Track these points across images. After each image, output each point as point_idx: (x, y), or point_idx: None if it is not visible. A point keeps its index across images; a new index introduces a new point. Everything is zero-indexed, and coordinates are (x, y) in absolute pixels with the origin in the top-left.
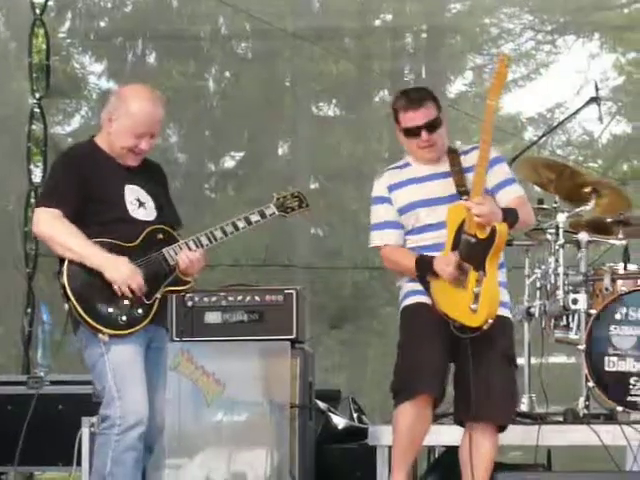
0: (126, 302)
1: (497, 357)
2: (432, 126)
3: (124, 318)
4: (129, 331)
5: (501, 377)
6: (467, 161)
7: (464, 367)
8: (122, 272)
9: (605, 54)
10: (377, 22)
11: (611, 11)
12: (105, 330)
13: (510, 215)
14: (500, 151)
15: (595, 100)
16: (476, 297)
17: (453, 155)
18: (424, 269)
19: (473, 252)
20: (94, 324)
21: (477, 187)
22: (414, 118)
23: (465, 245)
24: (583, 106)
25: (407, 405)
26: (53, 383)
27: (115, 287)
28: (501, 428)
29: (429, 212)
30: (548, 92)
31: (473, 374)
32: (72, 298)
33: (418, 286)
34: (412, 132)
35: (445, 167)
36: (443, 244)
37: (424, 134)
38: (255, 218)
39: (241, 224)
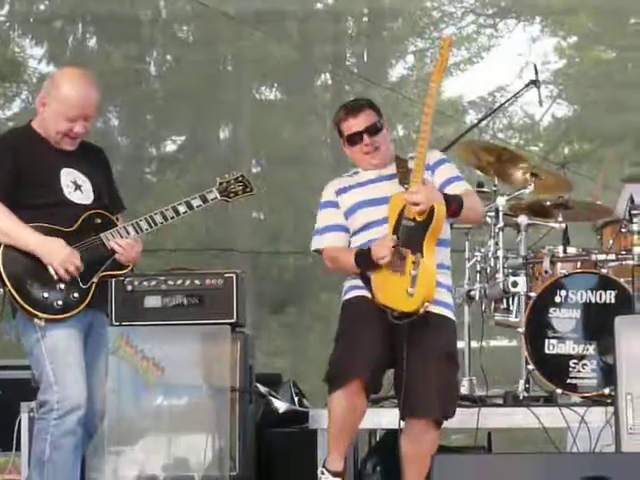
0: (62, 286)
1: (434, 353)
2: (373, 130)
3: (60, 303)
4: (64, 316)
5: (437, 373)
6: (412, 164)
7: (401, 363)
8: (59, 254)
9: (546, 38)
10: (319, 5)
11: None
12: (41, 315)
13: (454, 200)
14: (442, 134)
15: (534, 83)
16: (413, 280)
17: (400, 161)
18: (363, 261)
19: (411, 235)
20: (30, 309)
21: (417, 173)
22: (354, 124)
23: (404, 230)
24: (523, 89)
25: (339, 393)
26: None
27: (51, 270)
28: (438, 423)
29: (373, 211)
30: (490, 76)
31: (409, 369)
32: (7, 283)
33: (358, 282)
34: (354, 139)
35: (392, 170)
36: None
37: (366, 138)
38: (197, 203)
39: (182, 209)
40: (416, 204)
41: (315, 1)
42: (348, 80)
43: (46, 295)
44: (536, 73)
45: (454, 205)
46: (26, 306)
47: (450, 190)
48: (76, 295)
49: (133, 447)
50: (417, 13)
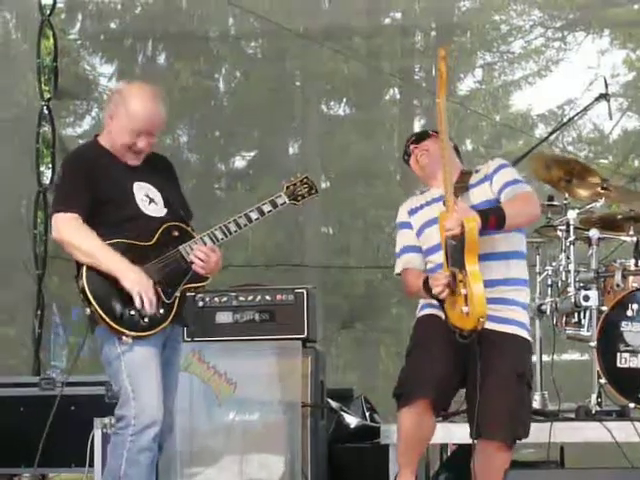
0: (142, 310)
1: (505, 374)
2: (419, 138)
3: (146, 320)
4: (152, 332)
5: (507, 394)
6: (474, 178)
7: (473, 384)
8: (134, 284)
9: (615, 50)
10: (386, 21)
11: (621, 7)
12: (128, 332)
13: (492, 213)
14: (511, 148)
15: (605, 96)
16: (465, 299)
17: (464, 175)
18: (428, 290)
19: (455, 254)
20: (117, 327)
21: (446, 196)
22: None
23: (450, 249)
24: (592, 102)
25: (406, 410)
26: (66, 384)
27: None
28: (509, 445)
29: (436, 231)
30: (558, 89)
31: (481, 391)
32: (93, 302)
33: (433, 300)
34: (407, 152)
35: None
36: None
37: (412, 145)
38: (267, 208)
39: (254, 215)
40: (449, 230)
41: (383, 16)
42: (416, 94)
43: (132, 312)
44: (606, 86)
45: (492, 218)
46: (113, 324)
47: (505, 196)
48: (161, 311)
49: (207, 466)
50: (485, 27)
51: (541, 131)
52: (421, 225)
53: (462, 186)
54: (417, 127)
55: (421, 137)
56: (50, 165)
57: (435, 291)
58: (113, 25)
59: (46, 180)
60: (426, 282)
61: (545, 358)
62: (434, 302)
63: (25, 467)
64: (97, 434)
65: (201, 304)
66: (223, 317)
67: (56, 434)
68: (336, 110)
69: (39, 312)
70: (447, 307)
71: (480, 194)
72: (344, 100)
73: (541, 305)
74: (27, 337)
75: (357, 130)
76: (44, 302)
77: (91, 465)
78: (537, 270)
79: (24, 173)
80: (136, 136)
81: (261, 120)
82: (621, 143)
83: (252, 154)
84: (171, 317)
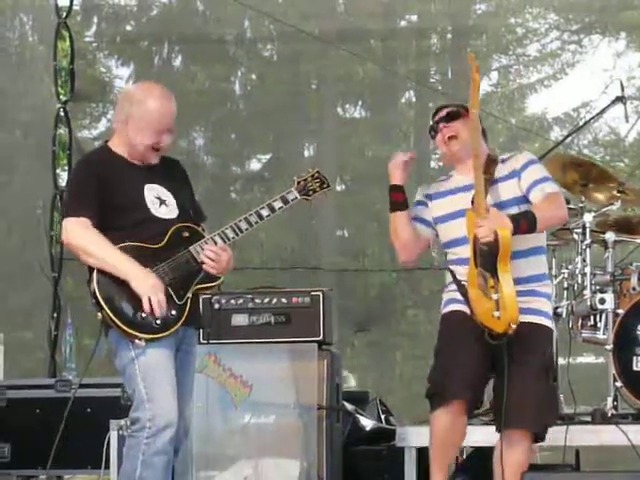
0: (152, 314)
1: (535, 367)
2: (451, 116)
3: (158, 322)
4: (164, 334)
5: (536, 386)
6: (501, 170)
7: (501, 375)
8: (145, 287)
9: (631, 53)
10: (402, 23)
11: (637, 10)
12: (141, 335)
13: (523, 218)
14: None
15: (621, 99)
16: (497, 304)
17: (490, 163)
18: None
19: (486, 259)
20: (130, 331)
21: (478, 202)
22: (438, 115)
23: (480, 254)
24: (609, 105)
25: (440, 411)
26: (81, 386)
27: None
28: (537, 439)
29: (461, 224)
30: (574, 91)
31: (508, 382)
32: (105, 307)
33: (457, 294)
34: (434, 128)
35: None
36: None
37: (442, 124)
38: (278, 205)
39: (265, 212)
40: (482, 237)
41: (399, 19)
42: (432, 97)
43: (144, 315)
44: (622, 89)
45: (524, 223)
46: (125, 328)
47: (534, 194)
48: (174, 312)
49: (222, 469)
50: (501, 30)
51: (557, 134)
52: (445, 214)
53: (488, 178)
54: None
55: (452, 117)
56: (66, 167)
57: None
58: (129, 27)
59: (62, 182)
60: None
61: (561, 361)
62: (458, 297)
63: (41, 469)
64: (113, 436)
65: (217, 306)
66: (239, 319)
67: (72, 436)
68: (352, 113)
69: (55, 314)
70: (475, 304)
71: (508, 191)
72: (360, 103)
73: (557, 308)
74: (43, 339)
75: (373, 133)
76: (60, 304)
77: (107, 467)
78: (553, 273)
79: (40, 175)
80: (159, 134)
81: (277, 123)
82: (637, 146)
83: (267, 157)
84: (183, 318)
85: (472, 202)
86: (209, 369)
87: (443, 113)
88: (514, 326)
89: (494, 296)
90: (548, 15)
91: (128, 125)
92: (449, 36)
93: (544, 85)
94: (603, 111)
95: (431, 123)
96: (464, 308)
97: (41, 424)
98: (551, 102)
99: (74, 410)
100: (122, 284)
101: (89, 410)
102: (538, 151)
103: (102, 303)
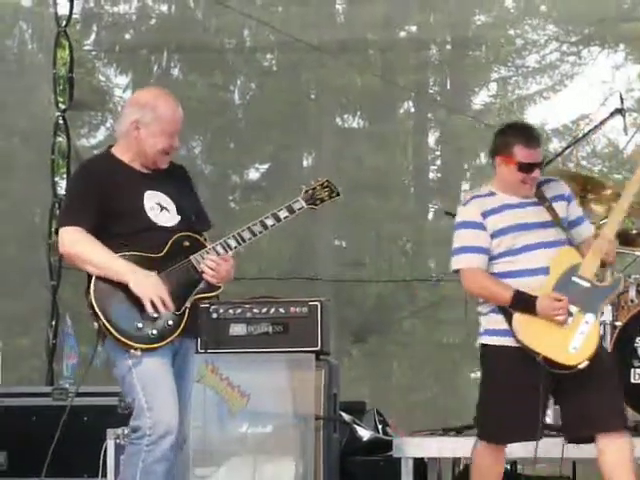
0: (156, 314)
1: (606, 369)
2: (541, 166)
3: (154, 332)
4: (160, 344)
5: (611, 385)
6: (547, 192)
7: (571, 387)
8: (146, 287)
9: (630, 65)
10: (401, 34)
11: (636, 22)
12: (137, 346)
13: None
14: None
15: (620, 111)
16: (579, 338)
17: (539, 191)
18: (522, 306)
19: (585, 296)
20: (125, 341)
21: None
22: (533, 155)
23: (574, 286)
24: (608, 117)
25: (490, 449)
26: (78, 395)
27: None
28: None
29: (523, 236)
30: (573, 103)
31: (586, 386)
32: (101, 317)
33: (499, 324)
34: (526, 168)
35: (531, 196)
36: (531, 271)
37: (537, 172)
38: (284, 214)
39: (269, 222)
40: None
41: (398, 29)
42: (431, 108)
43: (140, 325)
44: (621, 101)
45: None
46: (121, 338)
47: (583, 229)
48: (170, 323)
49: (219, 476)
50: (500, 41)
51: (555, 145)
52: (504, 227)
53: (546, 199)
54: (431, 140)
55: (538, 163)
56: (65, 176)
57: (553, 312)
58: (128, 36)
59: (61, 191)
60: (516, 298)
61: None
62: (497, 327)
63: (37, 477)
64: (110, 445)
65: (215, 316)
66: (237, 329)
67: (68, 444)
68: (350, 123)
69: (53, 323)
70: (523, 325)
71: (561, 211)
72: (358, 113)
73: None
74: (41, 347)
75: (371, 143)
76: (58, 313)
77: (104, 475)
78: None
79: (39, 183)
80: (171, 138)
81: (275, 132)
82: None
83: (266, 166)
84: (180, 329)
85: (555, 221)
86: (207, 378)
87: (538, 159)
88: (587, 362)
89: (583, 330)
90: (547, 26)
91: (139, 130)
92: (448, 47)
93: (543, 97)
94: (602, 123)
95: (526, 161)
96: (508, 342)
97: (37, 432)
98: (550, 114)
99: (71, 418)
100: (119, 294)
101: (86, 418)
102: None
103: (98, 313)
